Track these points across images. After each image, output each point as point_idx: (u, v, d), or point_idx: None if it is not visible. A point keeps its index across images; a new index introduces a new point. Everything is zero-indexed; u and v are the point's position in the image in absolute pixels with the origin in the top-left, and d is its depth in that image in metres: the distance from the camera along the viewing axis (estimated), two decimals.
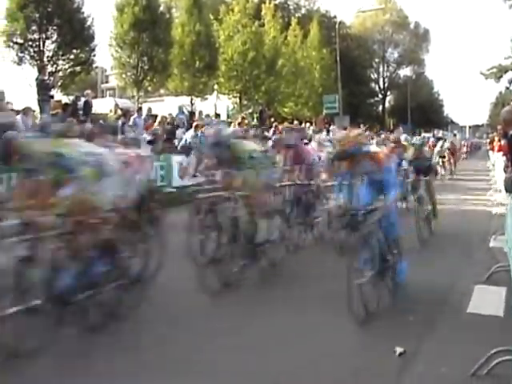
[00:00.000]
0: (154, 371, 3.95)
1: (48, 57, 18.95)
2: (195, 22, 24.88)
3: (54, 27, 18.86)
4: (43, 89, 14.38)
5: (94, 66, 22.26)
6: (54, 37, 19.01)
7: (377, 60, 56.13)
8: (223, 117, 24.46)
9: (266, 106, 27.97)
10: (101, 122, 14.12)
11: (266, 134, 18.18)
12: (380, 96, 56.31)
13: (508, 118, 5.86)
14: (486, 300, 5.48)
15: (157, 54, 21.97)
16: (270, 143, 11.98)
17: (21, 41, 18.42)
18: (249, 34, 27.54)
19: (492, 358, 3.80)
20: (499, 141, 18.72)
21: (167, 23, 23.22)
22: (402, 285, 5.55)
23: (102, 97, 35.83)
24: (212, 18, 26.98)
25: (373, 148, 6.75)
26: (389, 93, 56.91)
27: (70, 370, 3.92)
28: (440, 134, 38.00)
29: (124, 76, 22.58)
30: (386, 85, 56.32)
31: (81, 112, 14.29)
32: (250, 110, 27.41)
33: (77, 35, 19.37)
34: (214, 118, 19.70)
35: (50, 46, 18.99)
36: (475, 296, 5.57)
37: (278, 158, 8.98)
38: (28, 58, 18.64)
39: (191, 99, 24.44)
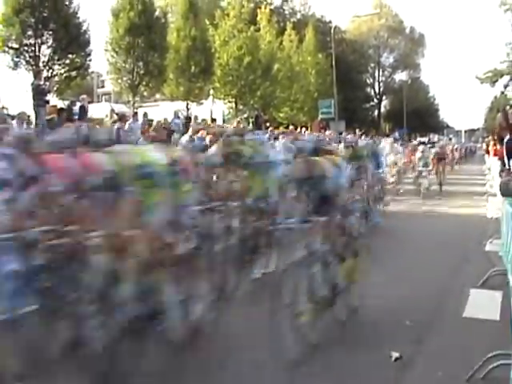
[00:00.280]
0: None
1: (44, 62, 18.88)
2: (191, 26, 24.86)
3: (50, 32, 18.79)
4: (39, 94, 14.31)
5: (90, 70, 22.23)
6: (50, 42, 18.93)
7: (372, 65, 56.23)
8: (219, 121, 24.41)
9: (262, 110, 27.91)
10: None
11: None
12: (376, 101, 56.34)
13: (503, 123, 5.89)
14: (482, 304, 5.48)
15: (152, 59, 21.92)
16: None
17: (16, 45, 18.34)
18: (244, 38, 27.53)
19: (488, 362, 3.80)
20: (494, 145, 18.75)
21: (163, 28, 23.18)
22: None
23: (98, 102, 35.79)
24: (208, 22, 26.94)
25: None
26: (384, 97, 57.00)
27: None
28: (436, 138, 38.05)
29: (120, 81, 22.54)
30: (381, 89, 56.40)
31: (76, 117, 14.23)
32: (246, 115, 27.32)
33: (72, 40, 19.31)
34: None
35: (45, 51, 18.91)
36: (471, 300, 5.58)
37: None
38: (24, 62, 18.56)
39: (187, 104, 24.39)
